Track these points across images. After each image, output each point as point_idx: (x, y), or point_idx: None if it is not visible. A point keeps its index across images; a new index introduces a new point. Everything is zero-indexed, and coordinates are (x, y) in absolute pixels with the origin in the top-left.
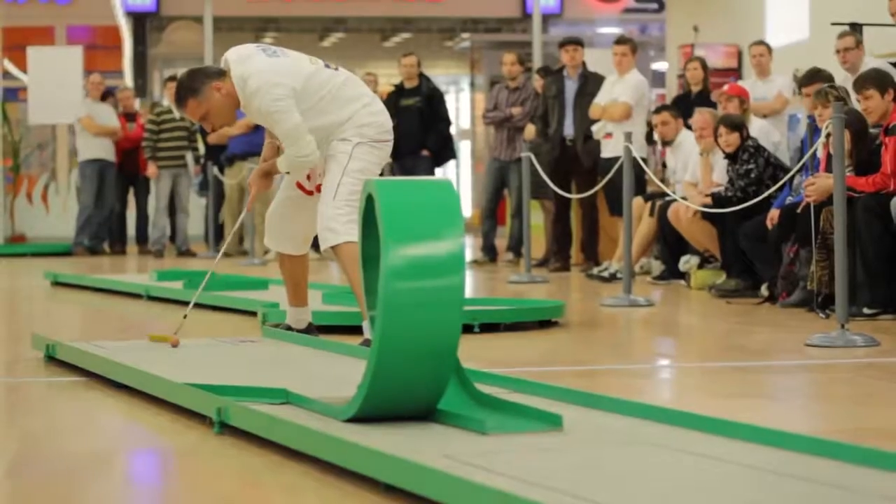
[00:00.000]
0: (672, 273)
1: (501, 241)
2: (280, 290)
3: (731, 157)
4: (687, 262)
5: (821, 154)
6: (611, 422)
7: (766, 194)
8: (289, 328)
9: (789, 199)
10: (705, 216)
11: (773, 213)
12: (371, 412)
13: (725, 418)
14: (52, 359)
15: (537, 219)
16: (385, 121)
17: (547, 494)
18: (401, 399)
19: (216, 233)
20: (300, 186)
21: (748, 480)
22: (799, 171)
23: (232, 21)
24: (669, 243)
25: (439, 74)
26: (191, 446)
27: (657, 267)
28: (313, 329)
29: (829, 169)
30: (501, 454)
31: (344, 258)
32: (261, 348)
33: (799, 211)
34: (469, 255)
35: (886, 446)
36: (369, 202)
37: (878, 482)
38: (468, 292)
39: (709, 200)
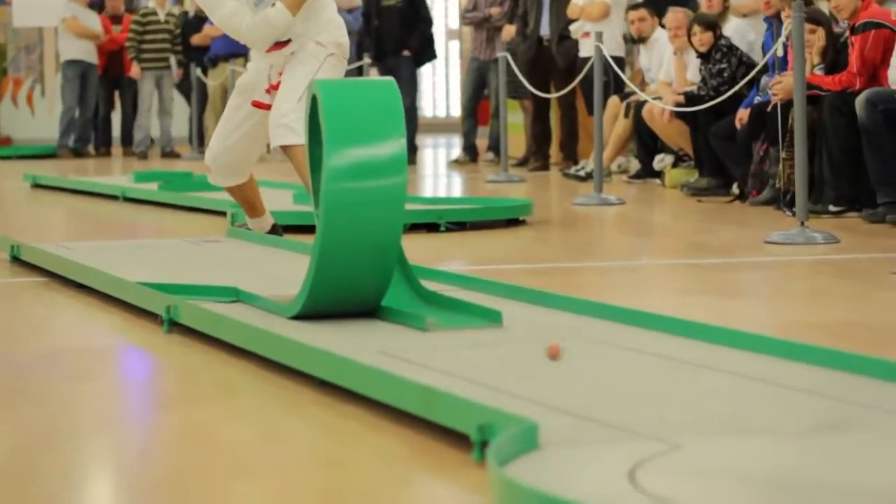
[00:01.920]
0: (647, 172)
1: (483, 141)
2: None
3: (705, 57)
4: (661, 161)
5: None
6: (553, 319)
7: (733, 90)
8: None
9: (758, 99)
10: (679, 115)
11: (742, 114)
12: (315, 309)
13: (665, 314)
14: (17, 259)
15: (517, 119)
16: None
17: (472, 388)
18: (344, 295)
19: (200, 134)
20: (258, 104)
21: (675, 373)
22: (764, 71)
23: None
24: (644, 142)
25: None
26: (139, 344)
27: (635, 166)
28: (278, 229)
29: None
30: (437, 350)
31: (301, 159)
32: (223, 248)
33: (768, 110)
34: (452, 155)
35: (823, 341)
36: (314, 104)
37: (802, 376)
38: (445, 191)
39: (682, 99)
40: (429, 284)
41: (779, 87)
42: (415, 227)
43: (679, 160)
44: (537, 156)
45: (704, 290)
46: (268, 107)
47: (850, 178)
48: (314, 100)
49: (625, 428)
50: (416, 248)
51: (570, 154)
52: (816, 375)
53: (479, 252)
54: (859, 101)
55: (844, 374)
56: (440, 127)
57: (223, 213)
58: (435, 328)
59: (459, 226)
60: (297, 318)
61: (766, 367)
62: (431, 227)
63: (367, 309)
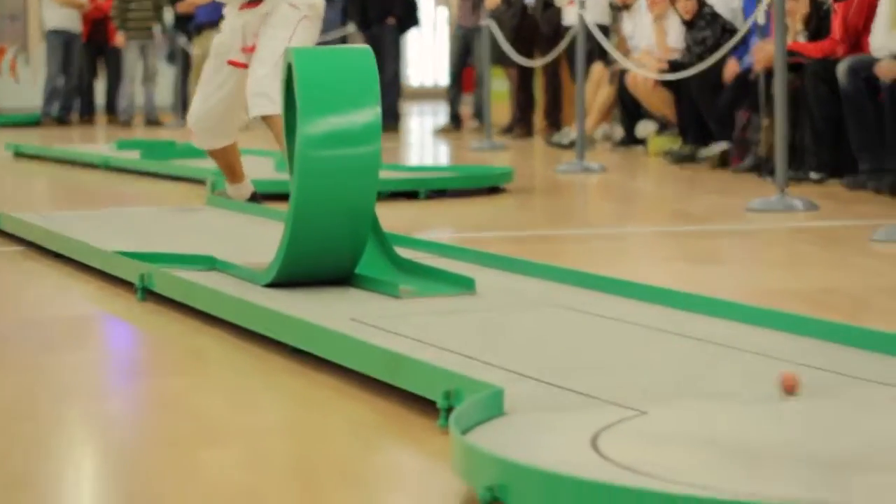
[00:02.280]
0: (631, 139)
1: (469, 109)
2: None
3: (689, 24)
4: (644, 129)
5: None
6: (525, 285)
7: (716, 58)
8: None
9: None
10: (663, 83)
11: (732, 64)
12: (290, 277)
13: (638, 281)
14: None
15: (502, 86)
16: None
17: (440, 355)
18: (318, 263)
19: (184, 102)
20: (235, 63)
21: (645, 340)
22: (744, 37)
23: None
24: (628, 110)
25: None
26: (114, 313)
27: (619, 133)
28: (258, 197)
29: None
30: (409, 317)
31: (279, 128)
32: (202, 217)
33: (751, 77)
34: (437, 123)
35: (800, 308)
36: (289, 72)
37: (771, 342)
38: (428, 159)
39: (664, 66)
40: (404, 252)
41: (761, 54)
42: (395, 195)
43: (663, 127)
44: (521, 123)
45: (684, 258)
46: (244, 65)
47: (831, 146)
48: (289, 68)
49: (591, 394)
50: (396, 217)
51: (554, 122)
52: (786, 342)
53: (458, 220)
54: (841, 69)
55: (814, 341)
56: (427, 95)
57: (204, 182)
58: (408, 296)
59: (440, 194)
60: (271, 285)
61: (736, 334)
62: (412, 196)
63: (341, 276)
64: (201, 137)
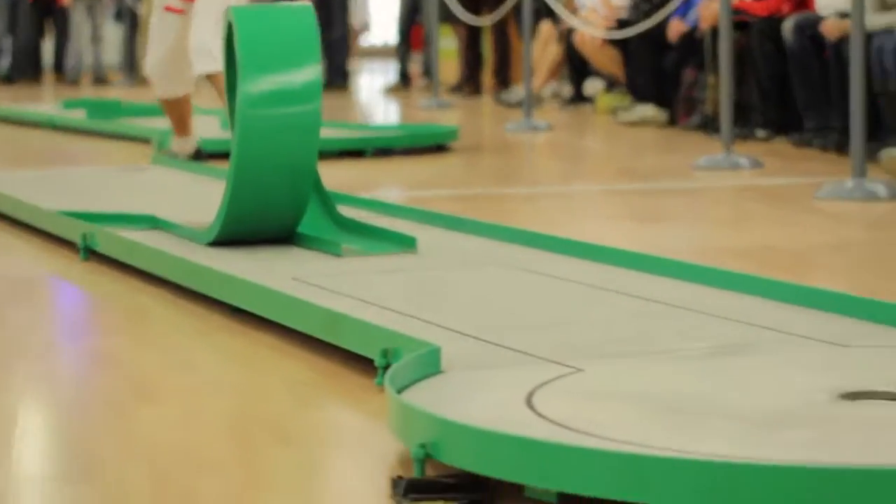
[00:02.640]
0: (580, 97)
1: (418, 68)
2: None
3: None
4: (592, 87)
5: None
6: (468, 244)
7: (662, 16)
8: (174, 157)
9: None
10: (610, 41)
11: (676, 24)
12: (231, 235)
13: (580, 240)
14: None
15: (451, 45)
16: None
17: (380, 314)
18: (259, 222)
19: (132, 61)
20: (170, 8)
21: (585, 298)
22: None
23: None
24: (576, 68)
25: None
26: (56, 273)
27: (569, 91)
28: (202, 154)
29: None
30: (350, 276)
31: (223, 85)
32: (148, 176)
33: (696, 36)
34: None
35: (741, 265)
36: (230, 30)
37: (710, 300)
38: (378, 117)
39: (611, 24)
40: (347, 211)
41: (707, 12)
42: (341, 154)
43: (611, 85)
44: (470, 82)
45: (630, 216)
46: (180, 11)
47: (778, 104)
48: (230, 26)
49: (529, 352)
50: (341, 175)
51: (503, 80)
52: (724, 299)
53: (403, 178)
54: (787, 27)
55: (755, 299)
56: (377, 54)
57: (150, 141)
58: (350, 254)
59: (386, 152)
60: (214, 244)
61: (678, 292)
62: (358, 154)
63: (284, 235)
64: (160, 85)
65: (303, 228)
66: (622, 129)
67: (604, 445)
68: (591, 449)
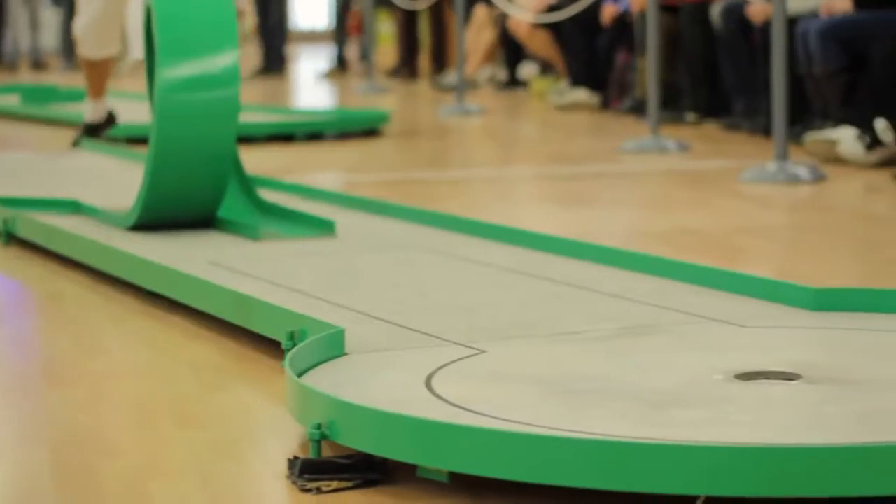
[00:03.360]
0: (515, 81)
1: (356, 52)
2: (114, 102)
3: None
4: (526, 70)
5: None
6: (388, 228)
7: (584, 4)
8: (90, 127)
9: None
10: (544, 24)
11: (609, 7)
12: (152, 219)
13: (499, 223)
14: None
15: (388, 29)
16: None
17: (291, 297)
18: (179, 206)
19: (69, 46)
20: None
21: (497, 282)
22: None
23: None
24: (511, 52)
25: None
26: None
27: (504, 75)
28: (114, 118)
29: None
30: (266, 260)
31: None
32: (75, 161)
33: (628, 20)
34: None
35: (657, 248)
36: (149, 15)
37: (619, 282)
38: (314, 102)
39: (543, 8)
40: (270, 195)
41: None
42: (272, 138)
43: (545, 69)
44: (407, 66)
45: (555, 200)
46: None
47: (707, 87)
48: (148, 11)
49: (434, 335)
50: (270, 160)
51: (440, 64)
52: (635, 281)
53: (333, 163)
54: (715, 11)
55: (669, 282)
56: (315, 38)
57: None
58: (268, 238)
59: (317, 137)
60: (135, 228)
61: (593, 275)
62: (288, 139)
63: (204, 219)
64: (84, 44)
65: (223, 212)
66: (555, 114)
67: (497, 426)
68: (481, 428)
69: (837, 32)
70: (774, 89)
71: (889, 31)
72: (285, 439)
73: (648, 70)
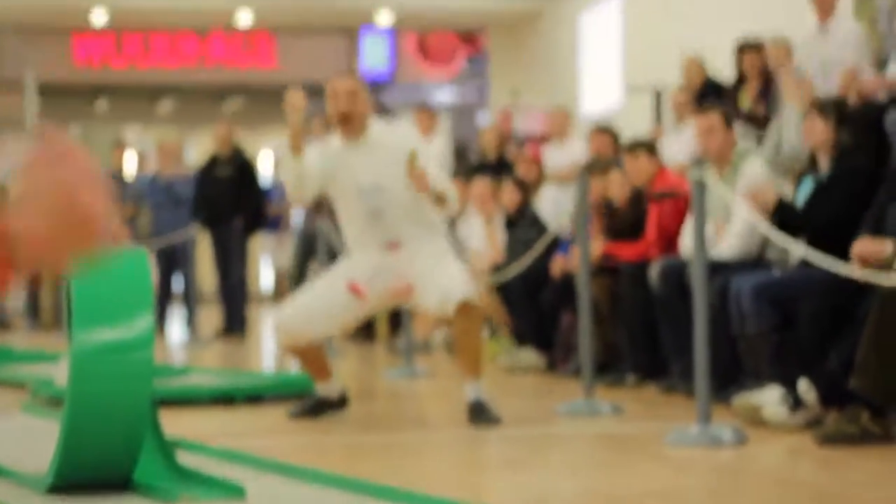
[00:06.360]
0: None
1: None
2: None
3: (511, 223)
4: None
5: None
6: (300, 491)
7: (528, 258)
8: (321, 402)
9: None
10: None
11: (559, 260)
12: (68, 481)
13: (406, 489)
14: None
15: None
16: None
17: None
18: (95, 467)
19: (34, 308)
20: (355, 289)
21: None
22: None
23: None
24: None
25: (276, 138)
26: None
27: None
28: (345, 401)
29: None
30: None
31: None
32: (11, 423)
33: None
34: None
35: None
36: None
37: None
38: (263, 364)
39: (486, 269)
40: (190, 459)
41: (572, 258)
42: (213, 401)
43: (494, 332)
44: (364, 329)
45: (478, 464)
46: (361, 295)
47: (647, 348)
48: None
49: None
50: (203, 423)
51: (396, 326)
52: None
53: (265, 426)
54: (654, 272)
55: None
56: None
57: (25, 387)
58: (184, 502)
59: (257, 399)
60: (52, 490)
61: None
62: (226, 400)
63: (120, 481)
64: (283, 335)
65: (140, 474)
66: (503, 375)
67: None
68: None
69: (770, 292)
70: (696, 350)
71: (816, 288)
72: None
73: (581, 334)
